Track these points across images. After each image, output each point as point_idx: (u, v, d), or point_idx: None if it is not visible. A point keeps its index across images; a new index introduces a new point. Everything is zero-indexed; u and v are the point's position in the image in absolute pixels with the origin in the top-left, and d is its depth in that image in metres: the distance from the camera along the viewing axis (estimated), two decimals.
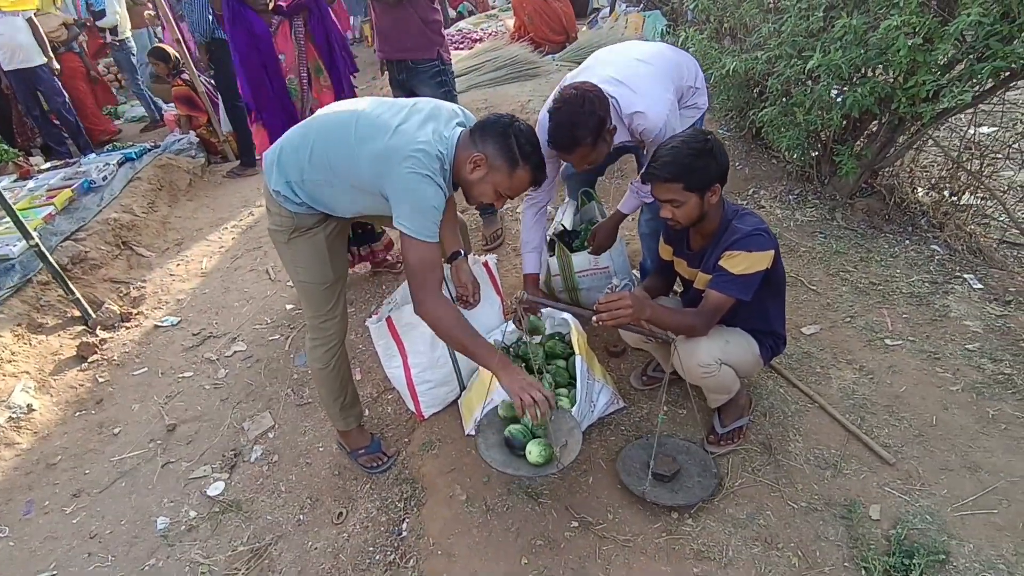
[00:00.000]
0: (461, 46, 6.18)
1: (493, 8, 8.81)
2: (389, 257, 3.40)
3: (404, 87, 3.16)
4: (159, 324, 3.47)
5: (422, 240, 1.66)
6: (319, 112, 1.89)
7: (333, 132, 1.76)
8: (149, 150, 5.36)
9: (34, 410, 2.89)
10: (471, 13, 8.75)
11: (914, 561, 1.67)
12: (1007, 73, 2.48)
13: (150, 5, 6.81)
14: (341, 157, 1.72)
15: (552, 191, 2.38)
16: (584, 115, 1.86)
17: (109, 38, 6.61)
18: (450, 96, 3.16)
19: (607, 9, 6.56)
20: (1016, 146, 2.98)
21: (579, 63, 2.38)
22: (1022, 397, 2.16)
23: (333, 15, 3.23)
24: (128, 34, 6.73)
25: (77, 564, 2.22)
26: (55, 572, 2.20)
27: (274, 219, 1.91)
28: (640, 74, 2.10)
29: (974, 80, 2.48)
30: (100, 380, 3.11)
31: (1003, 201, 3.05)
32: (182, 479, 2.48)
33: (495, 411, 2.06)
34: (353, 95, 3.18)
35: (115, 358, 3.24)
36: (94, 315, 3.44)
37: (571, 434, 1.94)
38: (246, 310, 3.48)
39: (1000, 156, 3.11)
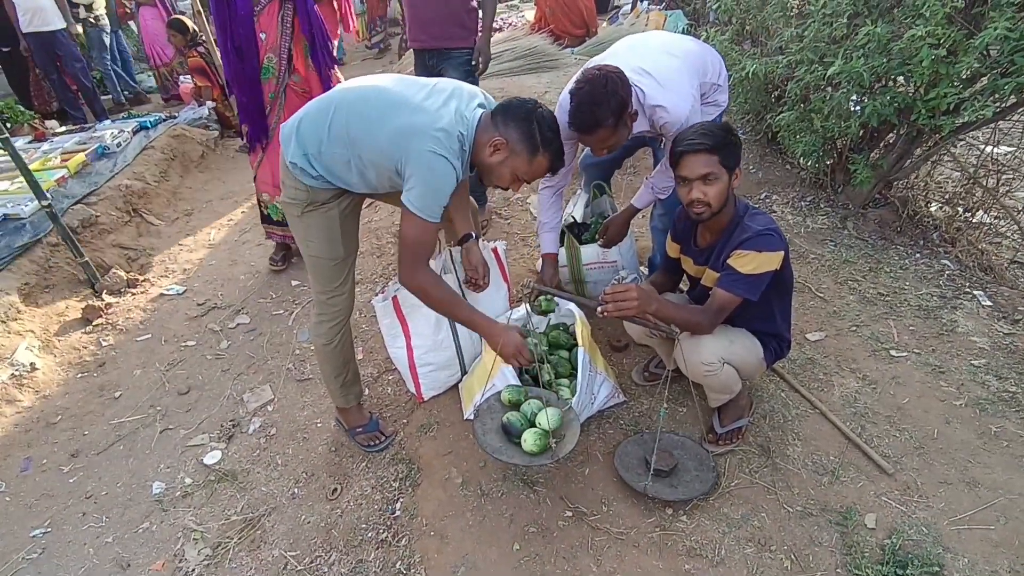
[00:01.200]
0: None
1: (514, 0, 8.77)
2: None
3: (431, 72, 3.13)
4: (165, 292, 3.48)
5: (424, 219, 1.67)
6: (340, 86, 1.88)
7: (354, 105, 1.75)
8: (165, 120, 5.37)
9: (37, 369, 2.91)
10: None
11: (908, 572, 1.66)
12: None
13: None
14: (361, 131, 1.71)
15: (569, 175, 2.37)
16: (607, 95, 1.83)
17: (84, 14, 6.48)
18: (474, 83, 3.14)
19: (628, 5, 6.53)
20: None
21: None
22: None
23: (340, 12, 3.27)
24: (102, 11, 6.62)
25: (71, 523, 2.23)
26: (49, 529, 2.22)
27: (288, 192, 1.90)
28: (667, 67, 2.08)
29: (996, 95, 2.46)
30: (104, 344, 3.12)
31: (1018, 220, 3.03)
32: (179, 446, 2.49)
33: (497, 396, 2.06)
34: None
35: (119, 323, 3.25)
36: (101, 279, 3.45)
37: (569, 426, 1.94)
38: (251, 283, 3.49)
39: (1017, 175, 3.08)
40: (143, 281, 3.57)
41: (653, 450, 1.97)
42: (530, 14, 6.30)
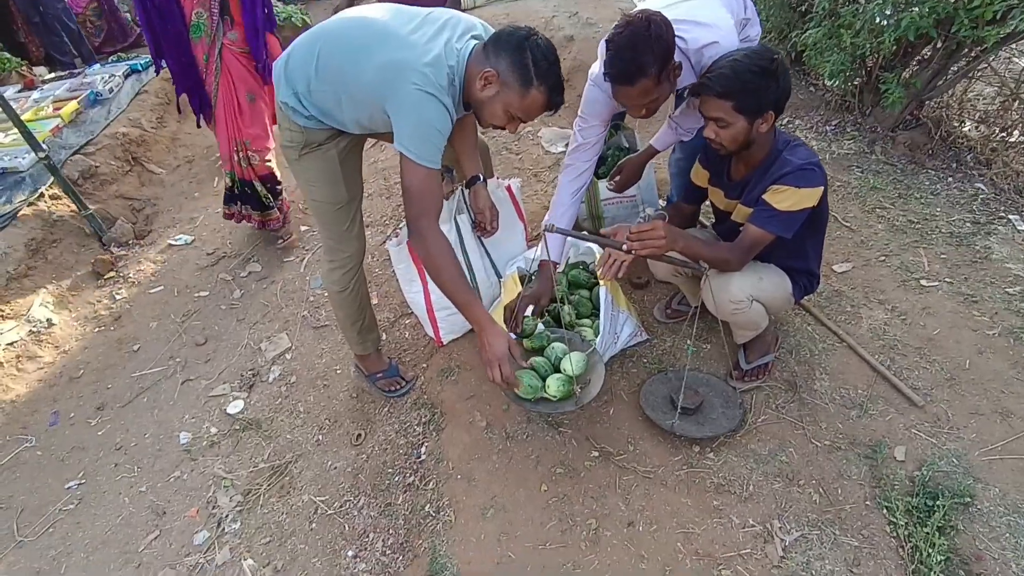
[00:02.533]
0: None
1: None
2: (273, 228, 3.19)
3: None
4: (173, 243, 3.42)
5: (423, 165, 1.56)
6: (330, 19, 1.74)
7: (340, 40, 1.63)
8: None
9: (54, 325, 2.90)
10: None
11: (938, 503, 1.65)
12: None
13: None
14: (347, 67, 1.59)
15: (596, 157, 2.11)
16: (650, 40, 1.60)
17: None
18: None
19: None
20: None
21: None
22: None
23: None
24: None
25: (104, 474, 2.28)
26: (83, 481, 2.27)
27: (285, 134, 1.81)
28: (700, 6, 1.86)
29: None
30: (117, 297, 3.10)
31: None
32: (202, 396, 2.51)
33: (519, 341, 2.02)
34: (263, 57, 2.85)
35: (131, 276, 3.22)
36: (108, 232, 3.39)
37: (593, 369, 1.91)
38: (260, 230, 3.41)
39: None
40: (150, 232, 3.51)
41: (679, 388, 1.94)
42: None
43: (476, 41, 1.64)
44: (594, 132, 2.03)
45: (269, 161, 3.01)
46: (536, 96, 1.58)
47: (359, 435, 2.21)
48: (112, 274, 3.23)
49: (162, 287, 3.13)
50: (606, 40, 1.69)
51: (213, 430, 2.35)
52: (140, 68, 4.89)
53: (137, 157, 4.09)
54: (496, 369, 1.65)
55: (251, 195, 3.04)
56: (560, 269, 2.38)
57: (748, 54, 1.57)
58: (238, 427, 2.33)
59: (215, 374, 2.59)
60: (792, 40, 3.36)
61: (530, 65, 1.54)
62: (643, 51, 1.59)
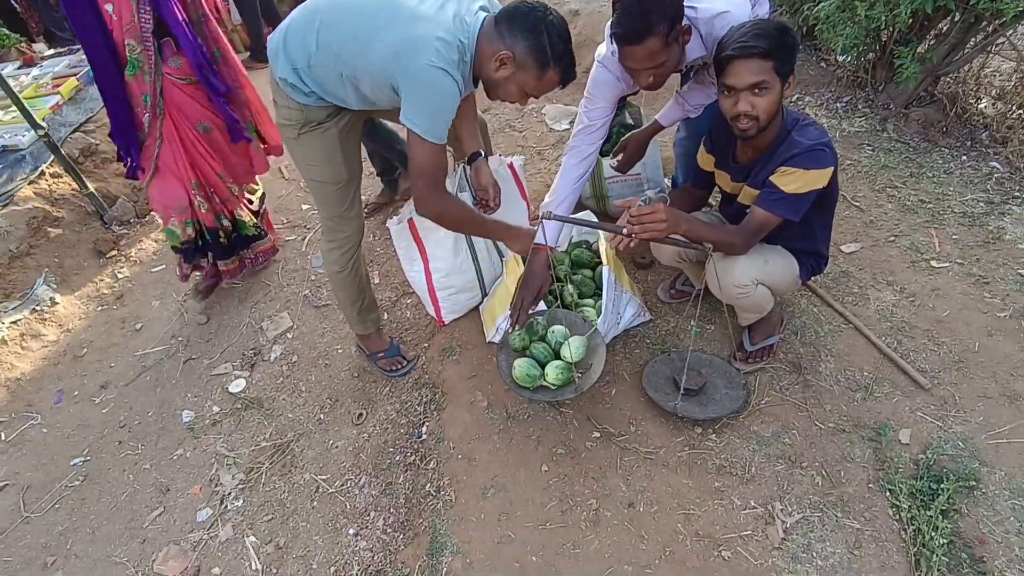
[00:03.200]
0: None
1: None
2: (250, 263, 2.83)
3: None
4: None
5: (432, 141, 1.53)
6: None
7: (343, 14, 1.58)
8: None
9: (57, 303, 2.91)
10: None
11: (942, 486, 1.64)
12: None
13: None
14: (351, 42, 1.55)
15: (602, 139, 2.02)
16: None
17: None
18: None
19: None
20: None
21: None
22: None
23: None
24: None
25: (109, 451, 2.29)
26: (89, 458, 2.28)
27: (282, 112, 1.77)
28: None
29: None
30: (119, 276, 3.10)
31: None
32: (204, 375, 2.51)
33: (512, 335, 1.97)
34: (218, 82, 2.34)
35: (132, 255, 3.22)
36: (109, 211, 3.38)
37: (594, 352, 1.89)
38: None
39: None
40: (151, 210, 3.49)
41: (682, 369, 1.92)
42: None
43: (484, 13, 1.59)
44: (601, 114, 1.97)
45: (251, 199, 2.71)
46: (552, 76, 1.57)
47: (360, 414, 2.21)
48: (114, 253, 3.22)
49: (164, 266, 3.12)
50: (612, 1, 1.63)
51: (215, 408, 2.36)
52: None
53: None
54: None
55: (219, 242, 2.59)
56: (563, 249, 2.35)
57: (763, 20, 1.52)
58: (240, 406, 2.34)
59: (217, 353, 2.59)
60: (804, 13, 3.26)
61: (547, 48, 1.51)
62: (652, 8, 1.55)
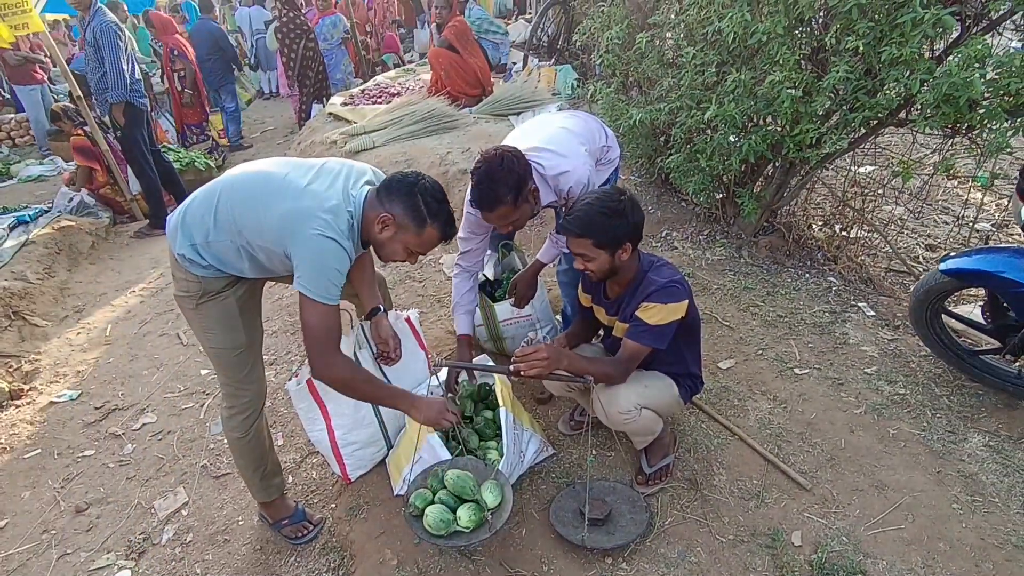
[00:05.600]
0: (379, 100, 6.22)
1: (410, 63, 8.97)
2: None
3: None
4: (55, 400, 3.18)
5: (324, 303, 1.63)
6: (228, 173, 1.85)
7: (239, 192, 1.73)
8: (45, 212, 5.04)
9: None
10: (396, 65, 8.85)
11: None
12: (875, 121, 2.76)
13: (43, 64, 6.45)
14: (248, 218, 1.68)
15: (483, 258, 2.43)
16: (503, 172, 1.89)
17: None
18: None
19: (520, 64, 6.84)
20: (891, 184, 3.31)
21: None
22: (916, 415, 2.34)
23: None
24: None
25: None
26: None
27: (180, 285, 1.83)
28: (559, 138, 2.20)
29: (848, 128, 2.74)
30: None
31: (884, 234, 3.35)
32: (80, 571, 2.25)
33: (417, 494, 1.95)
34: None
35: (2, 441, 2.94)
36: None
37: (501, 492, 1.91)
38: (156, 378, 3.27)
39: (879, 193, 3.43)
40: (29, 390, 3.26)
41: (585, 500, 1.97)
42: (426, 76, 6.46)
43: (369, 186, 1.78)
44: (476, 240, 2.35)
45: None
46: (431, 232, 1.73)
47: None
48: None
49: (39, 450, 2.86)
50: (470, 172, 1.97)
51: None
52: (28, 219, 4.76)
53: (19, 311, 3.87)
54: (442, 419, 1.83)
55: None
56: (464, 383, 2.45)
57: (599, 196, 1.81)
58: None
59: (98, 543, 2.35)
60: (659, 164, 3.81)
61: (422, 207, 1.69)
62: (498, 183, 1.89)
